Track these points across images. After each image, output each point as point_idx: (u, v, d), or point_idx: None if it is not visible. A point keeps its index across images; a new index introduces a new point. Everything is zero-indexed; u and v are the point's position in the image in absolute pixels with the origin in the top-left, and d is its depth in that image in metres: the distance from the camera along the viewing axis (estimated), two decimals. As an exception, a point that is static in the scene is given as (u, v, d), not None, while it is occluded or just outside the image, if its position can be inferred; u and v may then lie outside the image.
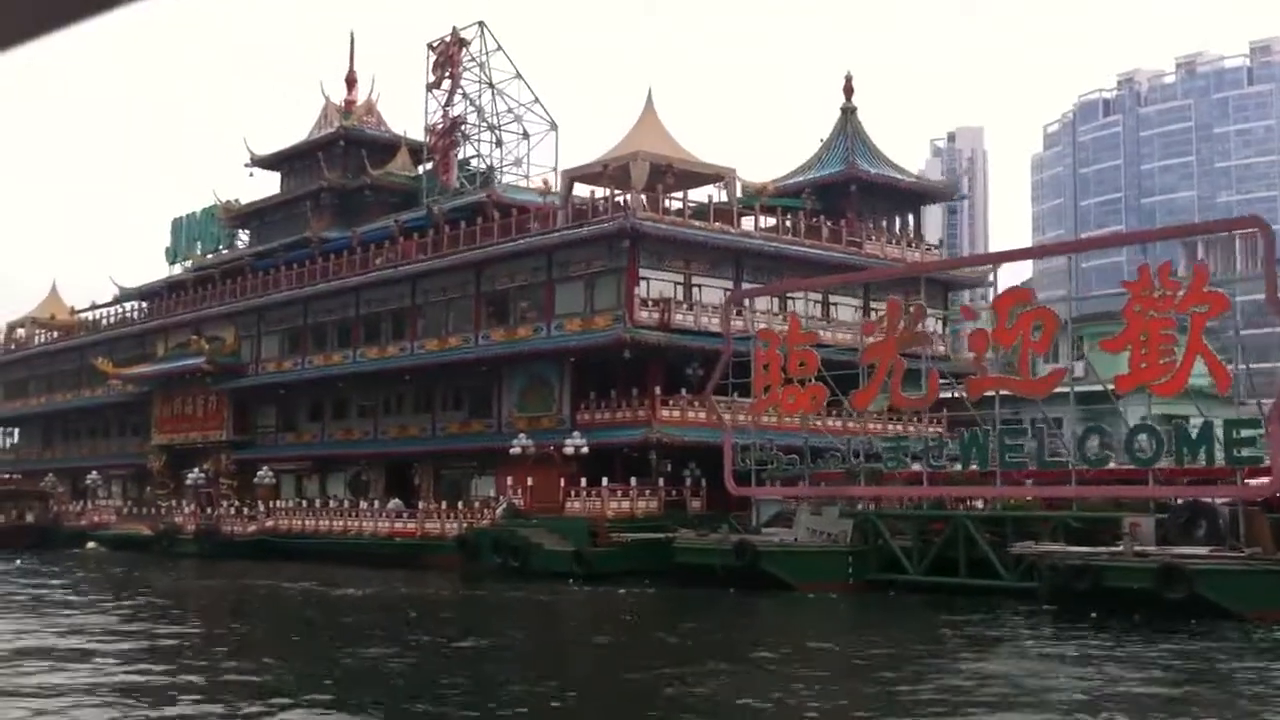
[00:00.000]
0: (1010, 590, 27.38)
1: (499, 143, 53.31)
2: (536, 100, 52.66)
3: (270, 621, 27.11)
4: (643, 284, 39.12)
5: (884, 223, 45.78)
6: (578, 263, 40.70)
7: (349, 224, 54.61)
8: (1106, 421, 33.21)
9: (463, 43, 52.24)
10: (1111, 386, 27.91)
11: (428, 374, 45.99)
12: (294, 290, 51.62)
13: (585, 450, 38.37)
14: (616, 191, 40.39)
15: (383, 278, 47.20)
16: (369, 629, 24.46)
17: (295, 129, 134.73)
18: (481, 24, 52.17)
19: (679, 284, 40.12)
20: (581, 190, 43.19)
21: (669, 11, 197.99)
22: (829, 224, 43.05)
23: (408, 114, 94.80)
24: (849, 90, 46.53)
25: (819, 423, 34.67)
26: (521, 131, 53.07)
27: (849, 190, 44.16)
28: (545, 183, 42.54)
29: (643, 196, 39.64)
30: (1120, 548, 25.60)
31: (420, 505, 42.93)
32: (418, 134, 57.34)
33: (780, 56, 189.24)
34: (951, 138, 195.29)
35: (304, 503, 48.08)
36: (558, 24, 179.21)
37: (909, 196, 46.85)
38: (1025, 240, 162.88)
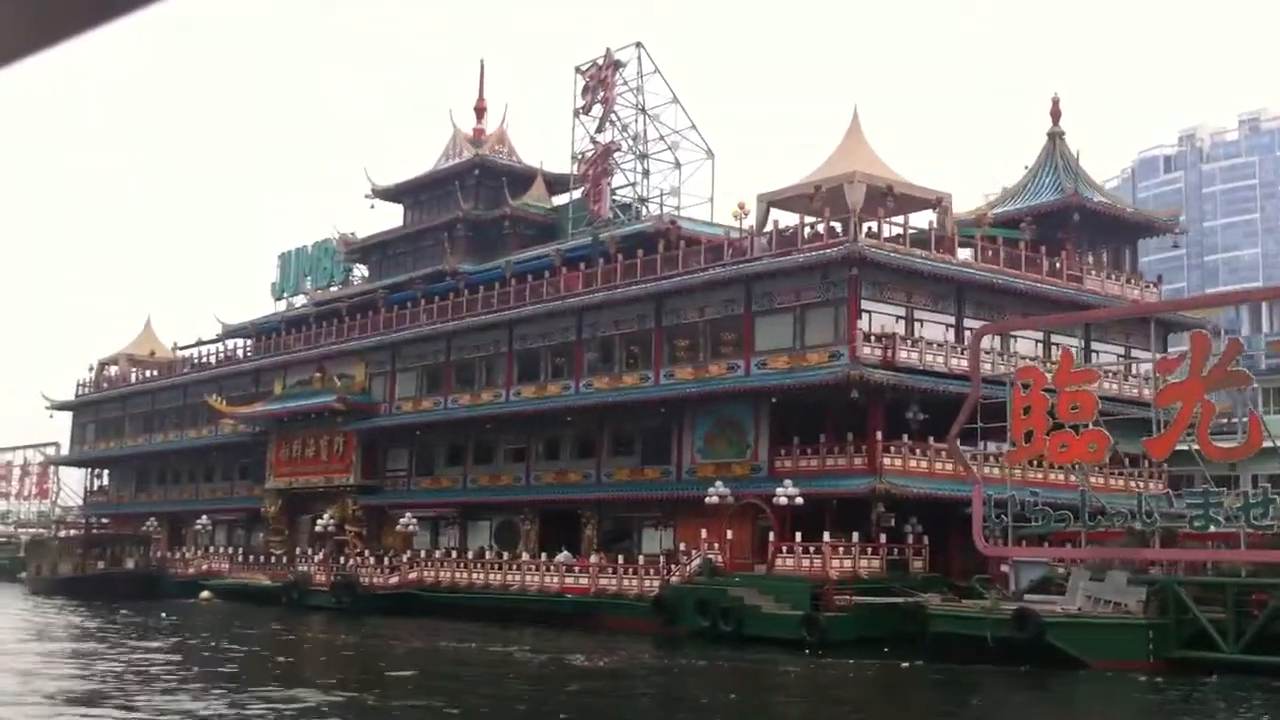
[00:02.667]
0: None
1: (647, 172, 50.11)
2: (693, 126, 49.52)
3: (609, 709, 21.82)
4: (864, 317, 35.32)
5: (1102, 255, 42.17)
6: (784, 294, 36.90)
7: (484, 256, 51.18)
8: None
9: (617, 65, 49.09)
10: None
11: (592, 415, 42.06)
12: (435, 324, 47.85)
13: (800, 501, 34.47)
14: (823, 217, 36.73)
15: (545, 310, 43.38)
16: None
17: (411, 161, 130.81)
18: (639, 45, 49.09)
19: (900, 318, 36.31)
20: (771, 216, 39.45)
21: (786, 34, 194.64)
22: (1048, 256, 39.32)
23: (531, 143, 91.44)
24: (1056, 114, 43.10)
25: (1091, 477, 30.83)
26: (674, 160, 49.91)
27: (1070, 219, 40.41)
28: (741, 206, 38.82)
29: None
30: None
31: (592, 559, 38.90)
32: (549, 163, 54.48)
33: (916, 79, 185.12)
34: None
35: (450, 553, 44.00)
36: (698, 48, 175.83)
37: (1130, 228, 43.15)
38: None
